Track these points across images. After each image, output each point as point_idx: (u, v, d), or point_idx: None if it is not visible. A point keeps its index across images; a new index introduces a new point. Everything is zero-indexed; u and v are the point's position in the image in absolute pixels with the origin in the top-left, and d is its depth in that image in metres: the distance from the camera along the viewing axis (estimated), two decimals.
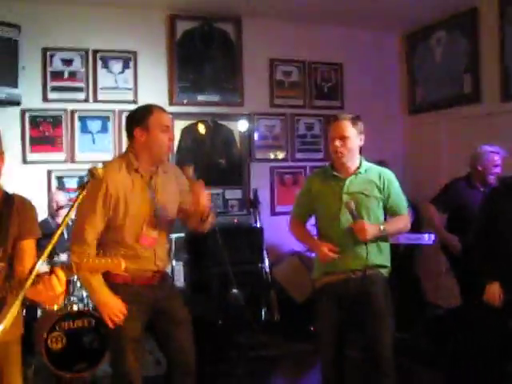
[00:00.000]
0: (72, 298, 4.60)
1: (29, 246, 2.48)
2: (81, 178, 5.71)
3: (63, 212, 5.03)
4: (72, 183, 5.71)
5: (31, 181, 5.39)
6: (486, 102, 5.79)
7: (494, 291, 3.36)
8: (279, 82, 6.53)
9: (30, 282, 1.93)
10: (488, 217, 3.44)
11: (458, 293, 4.67)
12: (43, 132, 5.61)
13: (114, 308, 2.84)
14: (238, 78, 6.30)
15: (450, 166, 6.21)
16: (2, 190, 2.58)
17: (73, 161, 5.72)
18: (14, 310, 1.83)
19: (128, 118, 3.05)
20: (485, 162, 4.48)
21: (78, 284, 4.61)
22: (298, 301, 6.00)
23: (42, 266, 2.05)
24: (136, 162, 2.94)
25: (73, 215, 2.25)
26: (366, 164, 3.34)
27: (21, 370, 2.63)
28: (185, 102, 6.10)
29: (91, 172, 2.20)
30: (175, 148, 6.00)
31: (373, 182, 3.28)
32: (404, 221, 3.35)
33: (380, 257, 3.28)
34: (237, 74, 6.30)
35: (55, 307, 4.16)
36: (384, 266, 3.31)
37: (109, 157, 5.78)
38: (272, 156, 6.57)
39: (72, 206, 2.08)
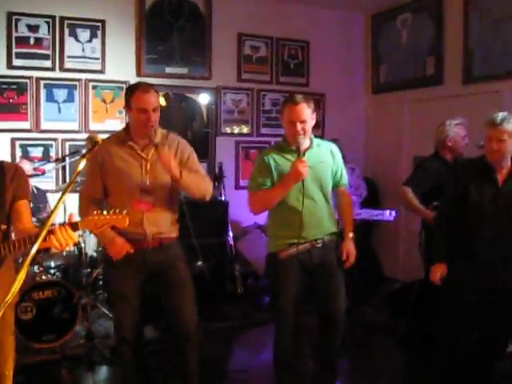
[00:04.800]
0: (40, 268, 4.59)
1: (25, 206, 2.63)
2: (45, 146, 5.65)
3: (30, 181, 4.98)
4: (37, 152, 5.62)
5: None
6: (448, 84, 5.96)
7: (435, 272, 3.51)
8: (247, 57, 6.56)
9: (42, 237, 2.01)
10: (456, 195, 3.52)
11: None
12: (7, 99, 5.48)
13: (117, 245, 3.16)
14: (206, 52, 6.28)
15: (410, 146, 6.41)
16: None
17: (38, 129, 5.62)
18: (23, 273, 1.88)
19: None
20: (452, 135, 4.49)
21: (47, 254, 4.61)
22: (261, 273, 6.13)
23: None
24: (125, 135, 3.21)
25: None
26: (316, 140, 3.55)
27: (14, 335, 2.68)
28: (149, 72, 6.01)
29: (91, 139, 2.27)
30: None
31: (326, 154, 3.54)
32: (350, 201, 3.75)
33: (333, 224, 3.58)
34: (205, 48, 6.27)
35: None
36: (335, 232, 3.61)
37: (75, 126, 5.74)
38: (237, 130, 6.62)
39: (73, 179, 2.12)
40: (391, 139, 6.69)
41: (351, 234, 3.58)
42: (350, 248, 3.54)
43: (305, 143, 3.43)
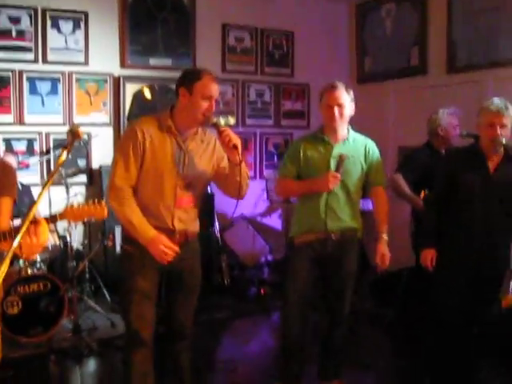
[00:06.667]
0: (26, 262, 4.56)
1: (6, 203, 2.52)
2: (29, 140, 5.60)
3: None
4: (20, 146, 5.57)
5: None
6: (432, 74, 5.99)
7: (425, 257, 3.54)
8: (231, 48, 6.54)
9: (20, 235, 1.97)
10: (446, 182, 3.54)
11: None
12: None
13: (161, 244, 2.86)
14: (190, 43, 6.26)
15: (395, 136, 6.42)
16: None
17: (21, 123, 5.56)
18: (5, 268, 1.86)
19: (179, 77, 3.02)
20: (445, 124, 4.48)
21: None
22: (247, 264, 6.16)
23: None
24: (170, 121, 2.95)
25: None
26: (353, 133, 3.50)
27: None
28: (133, 64, 5.99)
29: (72, 131, 2.21)
30: (126, 113, 5.98)
31: (359, 150, 3.46)
32: (385, 200, 3.56)
33: (355, 220, 3.50)
34: (189, 39, 6.25)
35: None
36: (358, 229, 3.55)
37: (59, 119, 5.70)
38: (223, 121, 6.59)
39: (54, 172, 2.09)
40: (376, 129, 6.60)
41: (385, 236, 3.46)
42: (384, 250, 3.44)
43: (341, 132, 3.41)
